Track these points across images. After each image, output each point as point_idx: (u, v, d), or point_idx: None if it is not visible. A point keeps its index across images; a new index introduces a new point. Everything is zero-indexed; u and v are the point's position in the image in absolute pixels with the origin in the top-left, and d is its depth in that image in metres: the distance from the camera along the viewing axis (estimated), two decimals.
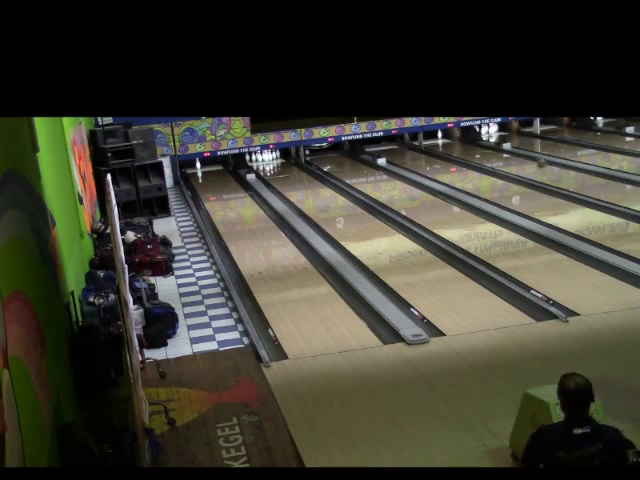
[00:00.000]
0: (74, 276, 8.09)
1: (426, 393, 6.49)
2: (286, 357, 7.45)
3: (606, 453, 3.55)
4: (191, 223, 14.12)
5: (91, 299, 8.19)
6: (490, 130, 21.44)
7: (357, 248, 11.16)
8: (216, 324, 8.55)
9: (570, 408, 3.66)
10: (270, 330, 8.15)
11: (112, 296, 8.04)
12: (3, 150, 4.96)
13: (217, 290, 9.81)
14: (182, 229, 13.67)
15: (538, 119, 20.93)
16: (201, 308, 9.15)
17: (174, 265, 11.10)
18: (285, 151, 20.32)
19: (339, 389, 6.68)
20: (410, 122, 19.94)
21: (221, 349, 7.81)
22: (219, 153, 19.07)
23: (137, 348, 5.96)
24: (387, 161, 18.55)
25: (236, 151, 19.24)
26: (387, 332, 7.84)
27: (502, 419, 5.73)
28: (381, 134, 20.17)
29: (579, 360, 7.08)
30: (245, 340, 7.99)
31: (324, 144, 20.06)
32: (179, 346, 7.99)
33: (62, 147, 9.55)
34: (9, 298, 4.17)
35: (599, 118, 21.21)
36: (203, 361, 7.49)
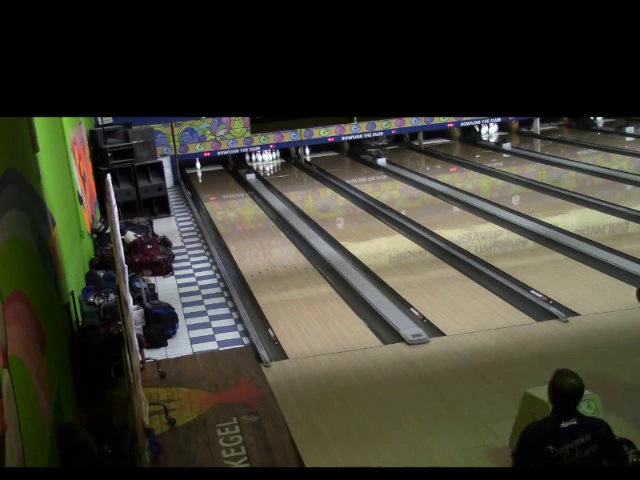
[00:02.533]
0: (74, 276, 8.09)
1: (426, 393, 6.49)
2: (286, 357, 7.45)
3: (595, 443, 3.65)
4: (191, 223, 14.12)
5: (91, 299, 8.19)
6: (490, 130, 21.44)
7: (357, 248, 11.16)
8: (216, 324, 8.54)
9: (561, 406, 3.76)
10: (270, 330, 8.14)
11: (112, 296, 8.04)
12: (3, 150, 4.96)
13: (217, 290, 9.81)
14: (182, 229, 13.67)
15: (538, 119, 20.93)
16: (201, 308, 9.15)
17: (174, 265, 11.10)
18: (285, 151, 20.32)
19: (339, 389, 6.68)
20: (410, 122, 19.94)
21: (221, 349, 7.81)
22: (219, 153, 19.07)
23: (137, 348, 5.97)
24: (387, 161, 18.56)
25: (236, 151, 19.24)
26: (387, 332, 7.84)
27: (502, 419, 5.73)
28: (381, 134, 20.19)
29: (579, 360, 7.08)
30: (245, 340, 7.99)
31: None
32: (179, 346, 7.99)
33: (62, 147, 9.54)
34: (9, 298, 4.17)
35: (599, 118, 21.21)
36: (203, 361, 7.49)
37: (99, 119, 15.67)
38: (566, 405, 3.74)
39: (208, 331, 8.35)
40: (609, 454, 3.74)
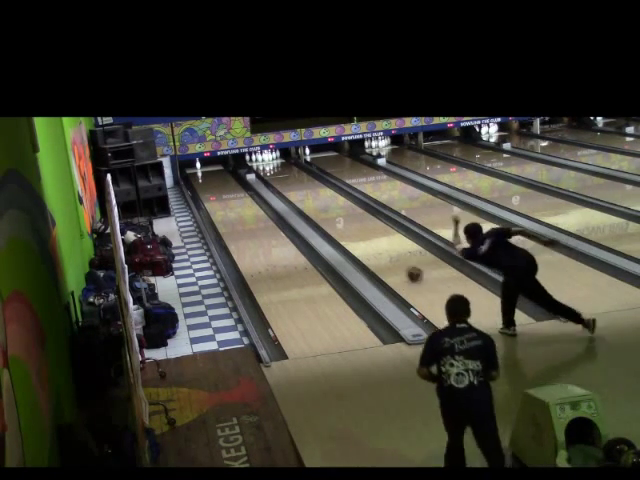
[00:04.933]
0: (74, 276, 8.09)
1: (426, 393, 6.45)
2: (286, 357, 7.45)
3: (479, 339, 4.77)
4: (191, 223, 14.12)
5: (91, 299, 8.19)
6: (490, 130, 21.44)
7: (357, 248, 11.16)
8: (216, 324, 8.54)
9: (453, 315, 4.95)
10: (270, 330, 8.14)
11: (112, 296, 8.04)
12: (3, 150, 4.96)
13: (217, 290, 9.81)
14: (182, 229, 13.67)
15: (538, 119, 20.94)
16: (201, 308, 9.15)
17: (174, 265, 11.10)
18: (285, 151, 20.32)
19: (339, 389, 6.67)
20: (410, 122, 19.95)
21: (221, 349, 7.81)
22: (219, 153, 19.08)
23: (137, 348, 5.96)
24: (387, 161, 18.56)
25: (236, 151, 19.25)
26: (387, 332, 7.84)
27: (502, 419, 5.72)
28: (381, 134, 20.19)
29: (579, 360, 7.09)
30: (245, 340, 7.99)
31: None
32: (179, 346, 7.99)
33: (62, 147, 9.54)
34: (9, 298, 4.17)
35: (599, 118, 21.21)
36: (203, 361, 7.49)
37: (99, 119, 15.68)
38: (456, 315, 4.91)
39: (208, 331, 8.35)
40: (488, 354, 4.78)
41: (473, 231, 7.58)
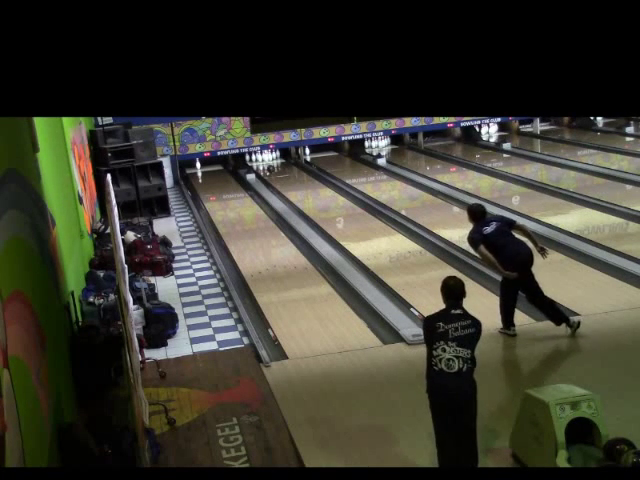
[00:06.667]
0: (74, 276, 8.08)
1: (426, 393, 6.48)
2: (286, 357, 7.45)
3: (473, 327, 4.90)
4: (191, 223, 14.12)
5: (91, 299, 8.19)
6: (490, 130, 21.44)
7: (357, 248, 11.16)
8: (216, 324, 8.54)
9: (449, 298, 5.01)
10: (270, 330, 8.14)
11: (112, 296, 8.04)
12: (3, 150, 4.96)
13: (217, 290, 9.81)
14: (182, 229, 13.67)
15: (538, 119, 20.93)
16: (201, 308, 9.15)
17: (174, 265, 11.10)
18: (285, 151, 20.32)
19: (339, 389, 6.68)
20: (410, 122, 19.95)
21: (221, 349, 7.81)
22: (219, 153, 19.08)
23: (137, 348, 5.97)
24: (387, 161, 18.56)
25: (236, 151, 19.25)
26: (387, 332, 7.84)
27: (502, 419, 5.73)
28: (381, 134, 20.20)
29: (579, 360, 7.09)
30: (245, 340, 7.99)
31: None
32: (179, 346, 7.99)
33: (62, 147, 9.54)
34: (9, 298, 4.17)
35: (599, 118, 21.21)
36: (203, 361, 7.49)
37: (99, 119, 15.68)
38: (453, 298, 4.99)
39: (208, 331, 8.35)
40: (476, 341, 4.94)
41: (477, 211, 7.57)
